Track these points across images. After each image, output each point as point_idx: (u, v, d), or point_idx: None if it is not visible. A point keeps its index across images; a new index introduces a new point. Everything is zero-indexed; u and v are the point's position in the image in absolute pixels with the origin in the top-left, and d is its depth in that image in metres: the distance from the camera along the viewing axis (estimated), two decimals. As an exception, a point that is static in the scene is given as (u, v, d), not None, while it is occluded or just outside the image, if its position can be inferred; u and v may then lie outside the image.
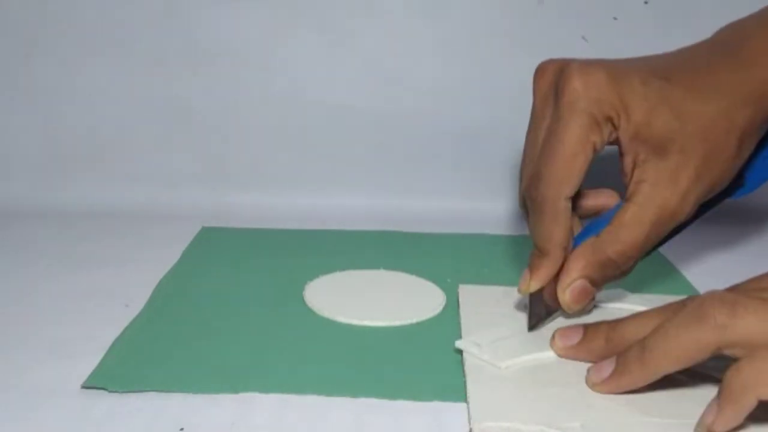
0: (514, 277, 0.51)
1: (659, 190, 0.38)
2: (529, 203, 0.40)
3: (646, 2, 0.65)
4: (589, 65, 0.39)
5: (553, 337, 0.40)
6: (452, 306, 0.47)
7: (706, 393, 0.36)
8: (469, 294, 0.48)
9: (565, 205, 0.39)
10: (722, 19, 0.65)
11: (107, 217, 0.63)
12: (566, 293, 0.40)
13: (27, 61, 0.67)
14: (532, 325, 0.42)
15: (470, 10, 0.66)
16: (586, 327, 0.39)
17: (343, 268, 0.53)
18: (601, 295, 0.46)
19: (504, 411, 0.34)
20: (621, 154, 0.39)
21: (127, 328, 0.43)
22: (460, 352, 0.40)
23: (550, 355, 0.39)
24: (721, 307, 0.32)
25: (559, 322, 0.43)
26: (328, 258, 0.54)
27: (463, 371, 0.38)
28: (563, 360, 0.39)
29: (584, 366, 0.38)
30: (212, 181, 0.67)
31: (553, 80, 0.41)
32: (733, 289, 0.36)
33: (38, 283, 0.50)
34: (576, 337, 0.39)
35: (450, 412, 0.36)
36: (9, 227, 0.61)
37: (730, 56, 0.40)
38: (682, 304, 0.36)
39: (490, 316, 0.44)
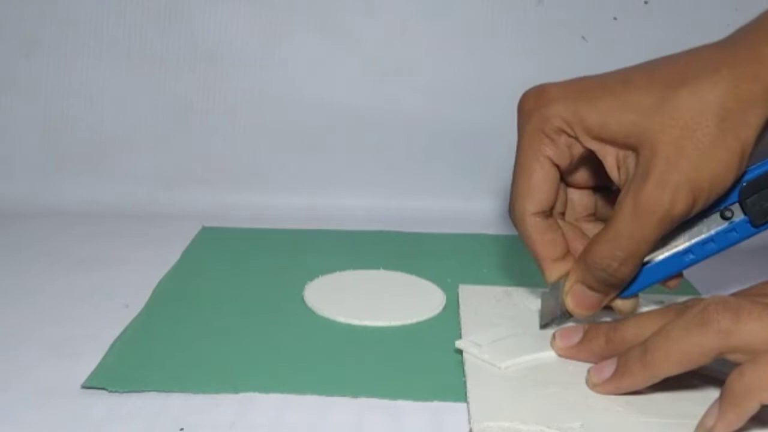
0: (514, 277, 0.51)
1: (636, 185, 0.36)
2: (513, 219, 0.41)
3: (646, 2, 0.65)
4: (548, 84, 0.39)
5: (554, 336, 0.40)
6: (452, 306, 0.47)
7: (706, 393, 0.36)
8: (469, 294, 0.48)
9: (533, 221, 0.39)
10: (722, 19, 0.65)
11: (107, 217, 0.63)
12: (567, 298, 0.40)
13: (27, 60, 0.67)
14: (544, 325, 0.42)
15: (470, 10, 0.66)
16: (587, 327, 0.39)
17: (343, 268, 0.53)
18: None
19: (504, 411, 0.34)
20: (602, 162, 0.38)
21: (127, 328, 0.43)
22: (460, 352, 0.40)
23: (550, 355, 0.39)
24: (725, 312, 0.32)
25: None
26: (328, 258, 0.54)
27: (463, 371, 0.38)
28: (563, 360, 0.39)
29: (584, 366, 0.38)
30: (212, 181, 0.67)
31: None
32: (737, 294, 0.36)
33: (38, 283, 0.50)
34: (576, 337, 0.39)
35: (450, 412, 0.36)
36: (9, 227, 0.61)
37: (705, 49, 0.38)
38: (684, 306, 0.36)
39: (490, 316, 0.44)
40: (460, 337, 0.42)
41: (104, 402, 0.36)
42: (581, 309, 0.40)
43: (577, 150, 0.39)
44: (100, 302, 0.47)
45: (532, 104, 0.39)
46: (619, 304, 0.41)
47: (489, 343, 0.40)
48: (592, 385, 0.36)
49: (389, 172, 0.68)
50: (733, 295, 0.36)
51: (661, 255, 0.39)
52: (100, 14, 0.66)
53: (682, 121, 0.36)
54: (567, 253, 0.40)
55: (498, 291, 0.48)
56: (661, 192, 0.36)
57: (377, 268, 0.53)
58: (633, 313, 0.41)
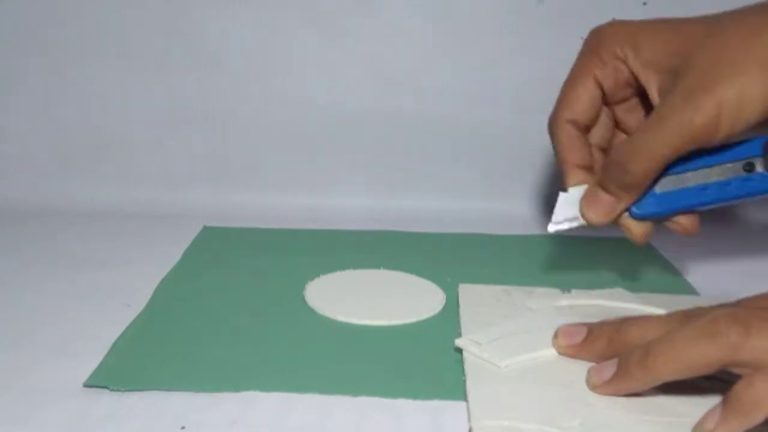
0: (514, 277, 0.51)
1: (665, 97, 0.38)
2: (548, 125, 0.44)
3: (645, 3, 0.65)
4: (623, 20, 0.43)
5: (556, 335, 0.40)
6: (452, 305, 0.47)
7: (707, 392, 0.36)
8: (469, 293, 0.48)
9: (566, 128, 0.43)
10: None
11: (108, 217, 0.64)
12: (583, 201, 0.42)
13: (27, 61, 0.67)
14: (556, 222, 0.43)
15: (470, 10, 0.66)
16: (590, 327, 0.39)
17: (343, 268, 0.53)
18: (603, 293, 0.47)
19: (503, 409, 0.35)
20: (644, 86, 0.41)
21: (128, 328, 0.43)
22: (459, 350, 0.40)
23: (550, 353, 0.39)
24: (735, 325, 0.32)
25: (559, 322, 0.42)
26: (329, 257, 0.54)
27: (463, 370, 0.38)
28: (563, 359, 0.39)
29: (584, 365, 0.38)
30: (213, 180, 0.68)
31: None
32: (741, 304, 0.36)
33: (38, 283, 0.50)
34: (579, 336, 0.39)
35: (450, 410, 0.36)
36: (9, 227, 0.61)
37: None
38: (690, 314, 0.36)
39: (490, 316, 0.44)
40: (460, 336, 0.42)
41: (106, 401, 0.36)
42: (594, 212, 0.42)
43: (623, 75, 0.42)
44: (101, 302, 0.47)
45: (599, 30, 0.43)
46: (632, 224, 0.43)
47: (489, 342, 0.40)
48: (592, 386, 0.36)
49: (389, 172, 0.68)
50: (738, 304, 0.36)
51: (681, 184, 0.41)
52: (100, 14, 0.66)
53: (724, 41, 0.37)
54: (590, 167, 0.43)
55: (498, 290, 0.48)
56: (687, 100, 0.37)
57: (377, 267, 0.53)
58: (645, 240, 0.43)
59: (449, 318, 0.45)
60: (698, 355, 0.32)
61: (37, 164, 0.68)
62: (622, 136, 0.45)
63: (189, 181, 0.67)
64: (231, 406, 0.36)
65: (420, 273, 0.52)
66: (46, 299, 0.48)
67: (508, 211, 0.66)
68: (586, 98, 0.43)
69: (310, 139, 0.68)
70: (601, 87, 0.43)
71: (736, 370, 0.32)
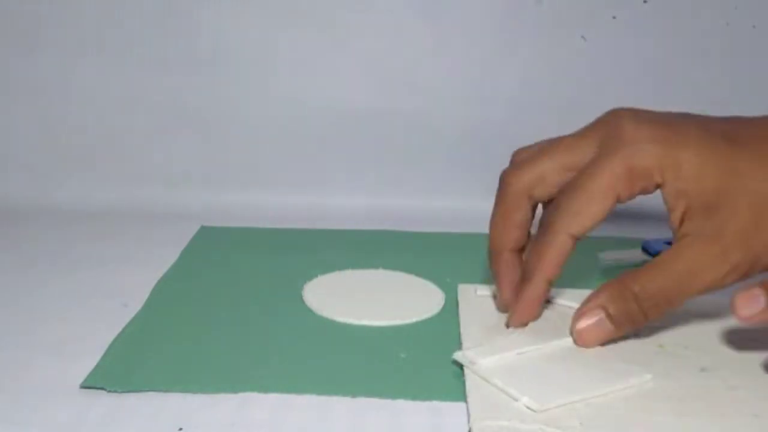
0: (513, 276, 0.51)
1: (700, 245, 0.36)
2: (539, 226, 0.41)
3: (645, 1, 0.65)
4: (643, 114, 0.39)
5: (733, 307, 0.35)
6: (452, 305, 0.47)
7: (708, 391, 0.36)
8: (468, 294, 0.48)
9: (565, 240, 0.39)
10: (720, 18, 0.65)
11: (106, 216, 0.63)
12: (579, 320, 0.39)
13: (26, 60, 0.67)
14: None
15: (469, 10, 0.66)
16: (764, 284, 0.35)
17: (342, 268, 0.53)
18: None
19: (503, 410, 0.34)
20: (669, 209, 0.38)
21: (125, 328, 0.43)
22: (458, 351, 0.40)
23: (548, 373, 0.39)
24: None
25: None
26: (328, 258, 0.54)
27: (463, 370, 0.38)
28: (563, 359, 0.39)
29: (585, 365, 0.38)
30: (211, 180, 0.67)
31: (606, 121, 0.40)
32: None
33: (35, 283, 0.50)
34: (761, 302, 0.35)
35: (449, 411, 0.36)
36: (8, 227, 0.61)
37: None
38: None
39: (490, 316, 0.44)
40: (459, 336, 0.42)
41: (103, 402, 0.36)
42: (586, 336, 0.39)
43: (644, 193, 0.38)
44: (98, 302, 0.47)
45: (630, 130, 0.38)
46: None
47: (485, 358, 0.38)
48: (743, 317, 0.34)
49: (389, 172, 0.68)
50: None
51: None
52: (100, 14, 0.66)
53: (760, 196, 0.36)
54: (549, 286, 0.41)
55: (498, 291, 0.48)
56: (724, 263, 0.36)
57: (377, 267, 0.53)
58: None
59: (449, 318, 0.45)
60: None
61: (36, 164, 0.68)
62: None
63: (186, 181, 0.67)
64: (229, 407, 0.36)
65: (419, 273, 0.52)
66: (43, 299, 0.47)
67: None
68: (600, 215, 0.39)
69: (308, 138, 0.68)
70: (616, 201, 0.38)
71: None
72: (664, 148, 0.37)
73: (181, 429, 0.34)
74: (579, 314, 0.39)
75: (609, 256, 0.53)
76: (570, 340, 0.40)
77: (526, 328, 0.42)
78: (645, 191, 0.39)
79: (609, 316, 0.39)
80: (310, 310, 0.46)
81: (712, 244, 0.36)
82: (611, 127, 0.39)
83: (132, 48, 0.66)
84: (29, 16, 0.66)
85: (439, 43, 0.67)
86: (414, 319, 0.45)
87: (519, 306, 0.41)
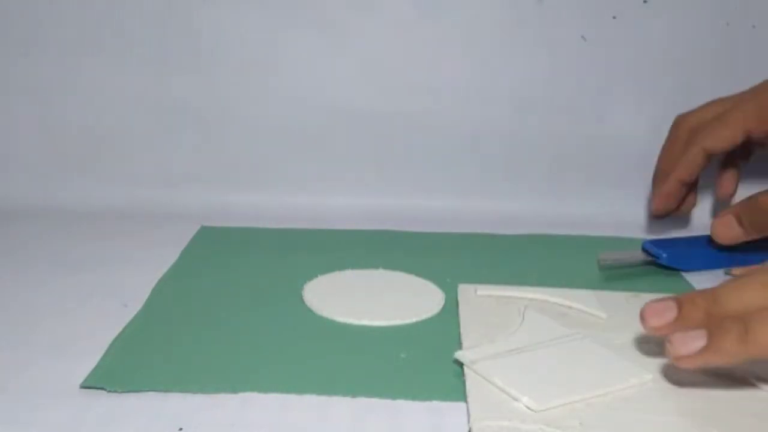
0: (514, 276, 0.51)
1: None
2: (673, 132, 0.56)
3: (645, 1, 0.65)
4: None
5: (642, 316, 0.36)
6: (452, 306, 0.47)
7: (709, 391, 0.36)
8: (468, 294, 0.48)
9: (698, 152, 0.53)
10: (720, 17, 0.65)
11: (106, 216, 0.63)
12: (716, 222, 0.51)
13: (26, 60, 0.66)
14: (605, 259, 0.53)
15: (469, 10, 0.66)
16: (680, 300, 0.35)
17: (342, 268, 0.53)
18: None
19: (503, 409, 0.34)
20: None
21: (125, 328, 0.43)
22: (457, 362, 0.39)
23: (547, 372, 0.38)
24: None
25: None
26: (328, 258, 0.54)
27: (462, 370, 0.38)
28: (563, 359, 0.39)
29: (585, 366, 0.38)
30: (211, 180, 0.67)
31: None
32: None
33: (35, 283, 0.50)
34: (671, 314, 0.35)
35: (449, 411, 0.36)
36: (8, 227, 0.61)
37: None
38: None
39: (490, 316, 0.44)
40: (459, 336, 0.41)
41: (103, 402, 0.36)
42: (722, 234, 0.51)
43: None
44: (98, 302, 0.47)
45: (758, 87, 0.52)
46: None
47: (485, 359, 0.38)
48: (676, 358, 0.33)
49: (389, 172, 0.68)
50: None
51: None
52: (100, 14, 0.66)
53: None
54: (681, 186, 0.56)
55: (497, 290, 0.48)
56: None
57: (377, 267, 0.53)
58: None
59: (449, 318, 0.45)
60: None
61: (36, 164, 0.67)
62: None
63: (187, 181, 0.67)
64: (229, 407, 0.36)
65: (419, 273, 0.52)
66: (43, 299, 0.47)
67: (508, 211, 0.66)
68: (731, 140, 0.52)
69: (308, 138, 0.68)
70: (748, 136, 0.52)
71: None
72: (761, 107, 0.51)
73: (181, 429, 0.34)
74: (715, 216, 0.52)
75: (609, 256, 0.53)
76: (570, 340, 0.40)
77: (527, 328, 0.42)
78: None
79: (739, 220, 0.50)
80: (310, 310, 0.46)
81: None
82: (755, 86, 0.53)
83: (132, 48, 0.66)
84: (29, 16, 0.66)
85: (439, 43, 0.67)
86: (414, 319, 0.45)
87: (656, 198, 0.57)
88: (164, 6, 0.65)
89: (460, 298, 0.47)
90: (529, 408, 0.34)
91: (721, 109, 0.53)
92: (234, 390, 0.37)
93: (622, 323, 0.43)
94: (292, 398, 0.36)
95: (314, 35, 0.66)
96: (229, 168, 0.68)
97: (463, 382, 0.37)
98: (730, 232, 0.51)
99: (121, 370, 0.38)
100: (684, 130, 0.55)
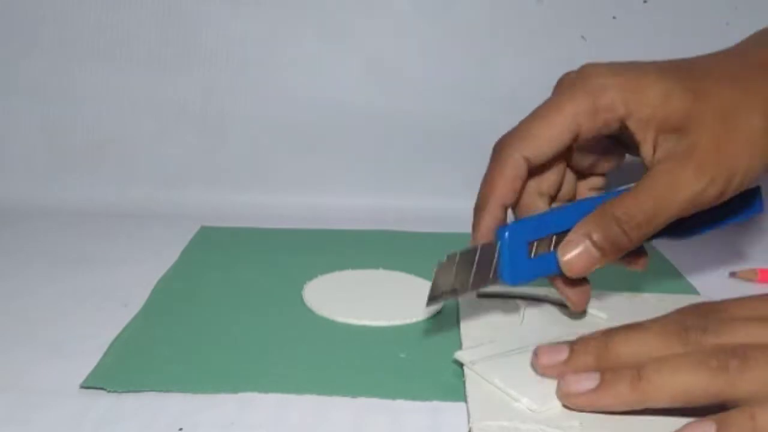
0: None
1: (674, 164, 0.37)
2: (491, 155, 0.41)
3: (645, 1, 0.65)
4: (596, 64, 0.40)
5: (536, 353, 0.36)
6: (451, 305, 0.47)
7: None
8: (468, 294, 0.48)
9: (517, 161, 0.39)
10: (721, 17, 0.65)
11: (106, 216, 0.63)
12: (565, 248, 0.38)
13: (26, 60, 0.66)
14: (432, 298, 0.38)
15: (470, 10, 0.66)
16: (572, 344, 0.36)
17: (342, 268, 0.52)
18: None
19: (503, 410, 0.34)
20: (638, 146, 0.39)
21: (125, 328, 0.43)
22: (457, 362, 0.39)
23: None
24: (733, 359, 0.31)
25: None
26: (328, 258, 0.54)
27: (462, 370, 0.38)
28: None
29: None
30: (211, 180, 0.67)
31: (565, 76, 0.41)
32: (728, 304, 0.36)
33: (35, 283, 0.50)
34: (562, 354, 0.36)
35: (449, 411, 0.36)
36: (8, 227, 0.61)
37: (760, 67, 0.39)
38: (682, 328, 0.34)
39: (489, 316, 0.44)
40: (459, 336, 0.41)
41: (103, 402, 0.36)
42: (574, 266, 0.38)
43: (609, 127, 0.38)
44: (98, 302, 0.47)
45: (591, 69, 0.39)
46: (569, 293, 0.41)
47: (483, 360, 0.38)
48: (564, 395, 0.34)
49: (389, 172, 0.68)
50: (727, 304, 0.36)
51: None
52: (100, 14, 0.66)
53: (733, 116, 0.37)
54: (506, 208, 0.40)
55: (497, 290, 0.48)
56: (700, 177, 0.37)
57: (376, 267, 0.53)
58: (580, 308, 0.42)
59: (449, 318, 0.45)
60: (694, 385, 0.32)
61: (36, 164, 0.68)
62: (570, 183, 0.43)
63: (187, 181, 0.67)
64: (229, 407, 0.36)
65: (419, 273, 0.52)
66: (43, 299, 0.47)
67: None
68: (557, 141, 0.39)
69: (308, 138, 0.68)
70: (577, 134, 0.38)
71: (731, 405, 0.31)
72: (626, 79, 0.38)
73: (181, 429, 0.34)
74: (564, 245, 0.38)
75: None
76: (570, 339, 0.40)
77: (526, 328, 0.42)
78: (608, 126, 0.38)
79: (594, 243, 0.38)
80: (310, 310, 0.46)
81: (687, 161, 0.37)
82: (571, 75, 0.40)
83: (132, 48, 0.66)
84: (29, 16, 0.66)
85: (439, 43, 0.67)
86: (414, 319, 0.45)
87: (476, 235, 0.40)
88: (164, 6, 0.65)
89: (460, 298, 0.47)
90: (529, 408, 0.34)
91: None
92: (234, 390, 0.37)
93: (622, 323, 0.43)
94: (291, 398, 0.36)
95: (314, 35, 0.66)
96: (229, 168, 0.68)
97: (463, 382, 0.37)
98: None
99: (121, 370, 0.38)
100: (508, 152, 0.40)
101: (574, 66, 0.68)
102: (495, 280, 0.39)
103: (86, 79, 0.67)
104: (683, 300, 0.46)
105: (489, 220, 0.40)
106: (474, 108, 0.67)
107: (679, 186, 0.37)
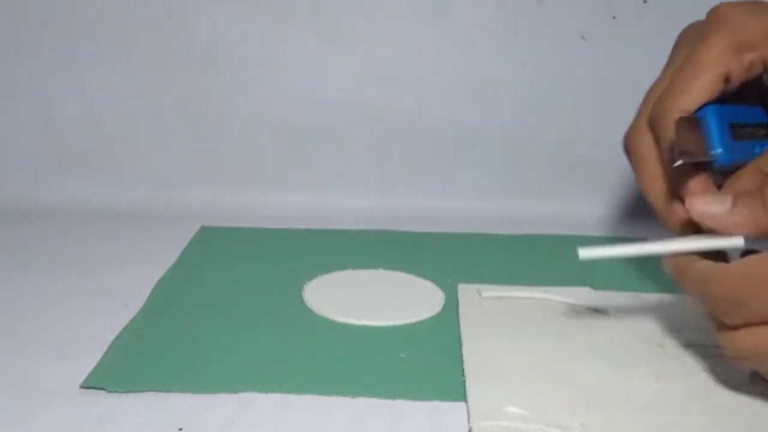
0: (514, 276, 0.51)
1: None
2: (650, 118, 0.38)
3: (645, 1, 0.65)
4: (738, 2, 0.36)
5: (688, 196, 0.33)
6: (452, 305, 0.47)
7: (709, 390, 0.36)
8: (468, 294, 0.48)
9: (674, 122, 0.36)
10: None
11: (106, 216, 0.63)
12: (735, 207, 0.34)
13: (26, 60, 0.66)
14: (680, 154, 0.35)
15: (469, 10, 0.66)
16: (734, 186, 0.34)
17: (342, 268, 0.52)
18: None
19: (503, 410, 0.34)
20: None
21: (125, 328, 0.43)
22: (458, 351, 0.40)
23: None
24: None
25: None
26: (328, 258, 0.54)
27: (463, 370, 0.38)
28: (563, 358, 0.39)
29: (585, 366, 0.38)
30: (211, 180, 0.67)
31: (697, 27, 0.38)
32: None
33: (35, 283, 0.50)
34: (724, 203, 0.32)
35: (449, 411, 0.36)
36: (8, 227, 0.61)
37: None
38: None
39: (490, 316, 0.44)
40: (459, 336, 0.42)
41: (103, 402, 0.36)
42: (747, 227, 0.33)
43: (754, 72, 0.36)
44: (98, 302, 0.47)
45: (727, 9, 0.36)
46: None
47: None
48: (703, 214, 0.32)
49: (389, 172, 0.68)
50: None
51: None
52: (100, 14, 0.66)
53: None
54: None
55: (497, 290, 0.48)
56: None
57: (376, 267, 0.53)
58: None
59: (448, 318, 0.45)
60: None
61: (36, 164, 0.67)
62: None
63: (187, 181, 0.67)
64: (229, 407, 0.36)
65: (419, 273, 0.52)
66: (43, 299, 0.47)
67: (508, 211, 0.66)
68: (709, 90, 0.35)
69: (308, 138, 0.68)
70: (727, 78, 0.35)
71: None
72: (764, 19, 0.35)
73: (181, 429, 0.34)
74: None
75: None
76: (571, 339, 0.41)
77: (527, 328, 0.42)
78: (753, 67, 0.36)
79: None
80: (310, 310, 0.46)
81: None
82: (703, 21, 0.37)
83: (132, 48, 0.66)
84: (29, 16, 0.66)
85: (439, 43, 0.67)
86: (414, 319, 0.45)
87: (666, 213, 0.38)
88: (164, 6, 0.65)
89: (460, 298, 0.47)
90: (529, 409, 0.34)
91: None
92: (234, 390, 0.37)
93: (622, 323, 0.43)
94: (292, 398, 0.36)
95: (314, 35, 0.66)
96: (229, 168, 0.68)
97: (463, 382, 0.37)
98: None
99: (121, 370, 0.38)
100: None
101: (574, 66, 0.68)
102: (705, 155, 0.35)
103: (86, 79, 0.67)
104: (683, 299, 0.46)
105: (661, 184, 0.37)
106: (474, 108, 0.67)
107: None
